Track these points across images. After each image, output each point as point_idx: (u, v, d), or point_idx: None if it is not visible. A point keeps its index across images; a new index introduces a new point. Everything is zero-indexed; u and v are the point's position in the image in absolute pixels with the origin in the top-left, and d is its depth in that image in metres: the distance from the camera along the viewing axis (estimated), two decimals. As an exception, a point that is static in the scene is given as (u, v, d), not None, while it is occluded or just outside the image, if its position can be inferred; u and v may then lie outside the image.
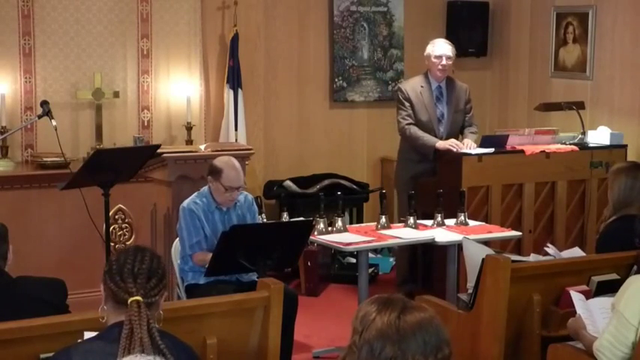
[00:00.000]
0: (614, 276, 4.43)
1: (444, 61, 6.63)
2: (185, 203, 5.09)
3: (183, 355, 2.74)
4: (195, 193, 5.15)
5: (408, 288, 6.63)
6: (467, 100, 6.85)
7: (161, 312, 2.83)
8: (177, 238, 5.23)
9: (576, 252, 4.98)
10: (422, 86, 6.71)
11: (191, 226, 5.01)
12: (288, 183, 7.49)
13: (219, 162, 5.05)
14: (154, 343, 2.62)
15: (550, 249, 4.98)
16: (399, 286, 6.81)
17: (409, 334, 2.12)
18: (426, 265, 6.89)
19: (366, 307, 2.20)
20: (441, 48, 6.67)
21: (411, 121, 6.62)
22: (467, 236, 5.28)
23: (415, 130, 6.59)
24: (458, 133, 6.85)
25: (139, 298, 2.69)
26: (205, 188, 5.13)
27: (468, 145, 6.57)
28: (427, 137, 6.58)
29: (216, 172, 5.00)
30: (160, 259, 2.85)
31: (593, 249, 5.98)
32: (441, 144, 6.54)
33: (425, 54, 6.74)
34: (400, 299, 2.21)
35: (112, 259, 2.82)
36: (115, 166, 5.30)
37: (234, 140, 7.06)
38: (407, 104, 6.68)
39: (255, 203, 5.28)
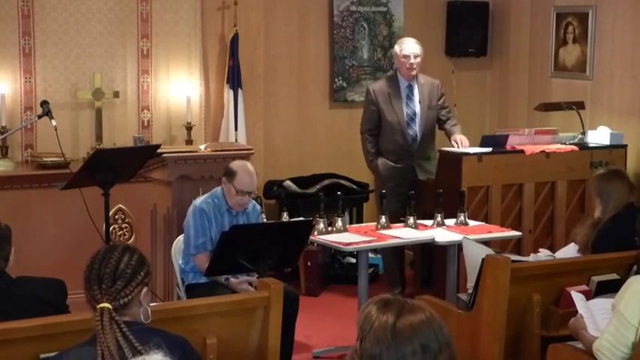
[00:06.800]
0: (614, 276, 4.43)
1: (412, 60, 6.58)
2: (197, 202, 5.10)
3: (176, 349, 2.71)
4: (208, 193, 5.17)
5: (394, 290, 6.61)
6: (439, 95, 6.81)
7: (147, 307, 2.80)
8: (178, 238, 5.23)
9: (570, 248, 5.00)
10: (390, 87, 6.70)
11: (199, 226, 5.02)
12: (288, 183, 7.48)
13: (235, 165, 5.11)
14: (129, 345, 2.61)
15: (541, 253, 5.02)
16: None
17: (405, 339, 2.09)
18: (425, 266, 6.89)
19: (367, 308, 2.18)
20: (409, 47, 6.60)
21: (370, 129, 6.73)
22: (467, 236, 5.28)
23: (370, 145, 6.74)
24: (434, 129, 6.83)
25: (105, 305, 2.68)
26: (218, 189, 5.14)
27: (462, 142, 6.59)
28: (371, 159, 6.76)
29: (230, 174, 5.03)
30: (131, 255, 2.79)
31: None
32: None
33: (393, 53, 6.75)
34: (398, 301, 2.17)
35: (86, 265, 2.81)
36: (115, 166, 5.30)
37: (234, 140, 7.06)
38: (372, 108, 6.70)
39: (262, 213, 5.30)
